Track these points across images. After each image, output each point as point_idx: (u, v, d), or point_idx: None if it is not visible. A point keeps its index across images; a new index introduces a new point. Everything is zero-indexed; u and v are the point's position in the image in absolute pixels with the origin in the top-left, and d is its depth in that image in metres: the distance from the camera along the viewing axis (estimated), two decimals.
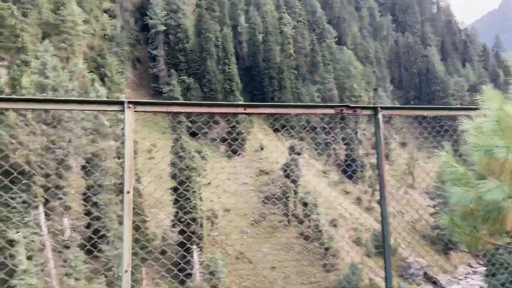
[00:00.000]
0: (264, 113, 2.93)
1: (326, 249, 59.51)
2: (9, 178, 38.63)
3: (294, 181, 64.36)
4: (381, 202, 3.16)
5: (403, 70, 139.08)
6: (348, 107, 3.09)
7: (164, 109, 2.86)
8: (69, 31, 67.47)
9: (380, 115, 3.22)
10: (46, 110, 41.36)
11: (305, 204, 63.29)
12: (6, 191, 38.50)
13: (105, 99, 2.73)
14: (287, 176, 65.04)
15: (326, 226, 62.29)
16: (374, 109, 3.27)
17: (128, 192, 2.60)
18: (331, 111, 3.09)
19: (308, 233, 61.08)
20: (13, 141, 40.01)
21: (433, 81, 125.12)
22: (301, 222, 63.06)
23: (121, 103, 2.79)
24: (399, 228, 67.55)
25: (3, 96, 2.64)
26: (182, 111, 2.84)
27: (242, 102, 2.92)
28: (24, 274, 35.58)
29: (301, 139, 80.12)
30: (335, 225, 65.42)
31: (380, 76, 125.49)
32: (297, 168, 65.60)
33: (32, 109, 2.64)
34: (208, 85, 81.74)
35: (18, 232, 37.84)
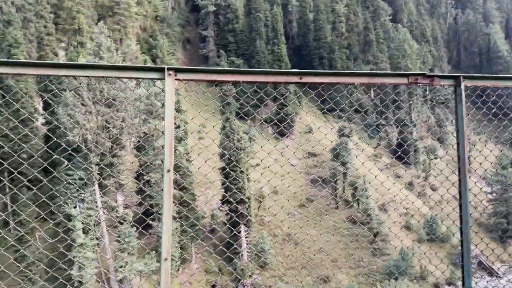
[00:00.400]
0: (323, 83, 2.55)
1: (375, 233, 58.36)
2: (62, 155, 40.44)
3: (343, 164, 63.21)
4: (461, 190, 2.70)
5: (462, 49, 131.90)
6: (424, 75, 2.63)
7: (208, 77, 2.53)
8: (123, 13, 69.08)
9: (462, 86, 2.73)
10: (96, 83, 42.62)
11: (354, 188, 62.13)
12: (64, 168, 40.36)
13: (145, 65, 2.41)
14: (336, 158, 63.95)
15: (376, 210, 60.96)
16: (456, 78, 2.78)
17: (168, 171, 2.33)
18: (404, 80, 2.64)
19: (356, 217, 60.10)
20: (70, 120, 41.73)
21: (495, 61, 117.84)
22: (349, 205, 62.09)
23: (161, 69, 2.50)
24: (453, 215, 64.91)
25: (39, 61, 2.45)
26: (228, 79, 2.51)
27: (296, 70, 2.56)
28: (81, 247, 37.42)
29: (351, 121, 78.35)
30: (385, 210, 63.88)
31: (437, 56, 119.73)
32: (346, 150, 64.28)
33: (66, 75, 2.43)
34: (257, 65, 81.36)
35: (75, 207, 39.73)
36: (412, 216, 63.00)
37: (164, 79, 2.40)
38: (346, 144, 63.97)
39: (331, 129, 71.42)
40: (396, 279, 49.71)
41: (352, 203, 61.90)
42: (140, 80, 2.36)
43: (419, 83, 2.69)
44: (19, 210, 39.73)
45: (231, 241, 47.58)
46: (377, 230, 57.95)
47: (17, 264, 35.23)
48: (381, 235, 58.36)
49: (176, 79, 2.42)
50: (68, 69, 2.41)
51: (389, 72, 2.56)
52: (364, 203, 60.00)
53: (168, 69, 2.44)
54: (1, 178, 42.32)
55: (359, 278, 54.13)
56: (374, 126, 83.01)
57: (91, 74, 2.39)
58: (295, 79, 2.53)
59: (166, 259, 2.19)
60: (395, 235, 54.42)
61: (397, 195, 65.99)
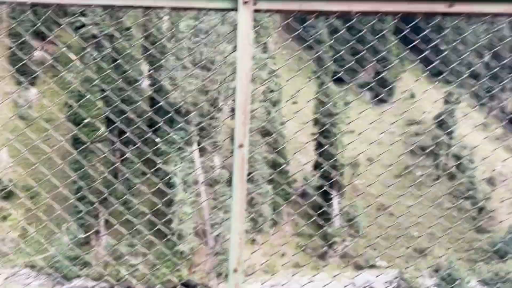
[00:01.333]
0: (488, 13, 1.68)
1: (480, 209, 54.01)
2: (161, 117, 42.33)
3: (448, 133, 58.56)
4: None
5: None
6: None
7: (303, 6, 1.72)
8: None
9: None
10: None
11: (459, 159, 57.53)
12: (167, 128, 42.50)
13: None
14: (440, 127, 59.39)
15: (483, 184, 56.07)
16: None
17: (240, 146, 1.60)
18: None
19: (460, 190, 55.95)
20: (172, 82, 43.45)
21: None
22: (453, 177, 57.85)
23: None
24: None
25: None
26: (333, 8, 1.70)
27: None
28: (180, 203, 39.59)
29: (461, 86, 71.79)
30: (493, 184, 58.54)
31: None
32: (453, 119, 59.24)
33: (106, 5, 1.86)
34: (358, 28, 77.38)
35: (175, 166, 41.87)
36: None
37: (236, 9, 1.63)
38: (452, 111, 58.96)
39: (439, 89, 66.15)
40: (505, 259, 45.80)
41: (455, 175, 57.62)
42: (204, 11, 1.70)
43: None
44: (127, 166, 42.99)
45: (323, 206, 47.18)
46: (483, 205, 53.52)
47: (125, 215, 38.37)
48: (486, 211, 53.92)
49: (255, 10, 1.65)
50: None
51: None
52: (469, 176, 55.49)
53: None
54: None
55: (459, 254, 50.87)
56: (489, 92, 75.49)
57: (130, 3, 1.77)
58: (441, 7, 1.66)
59: (235, 270, 1.53)
60: None
61: (506, 166, 60.06)
